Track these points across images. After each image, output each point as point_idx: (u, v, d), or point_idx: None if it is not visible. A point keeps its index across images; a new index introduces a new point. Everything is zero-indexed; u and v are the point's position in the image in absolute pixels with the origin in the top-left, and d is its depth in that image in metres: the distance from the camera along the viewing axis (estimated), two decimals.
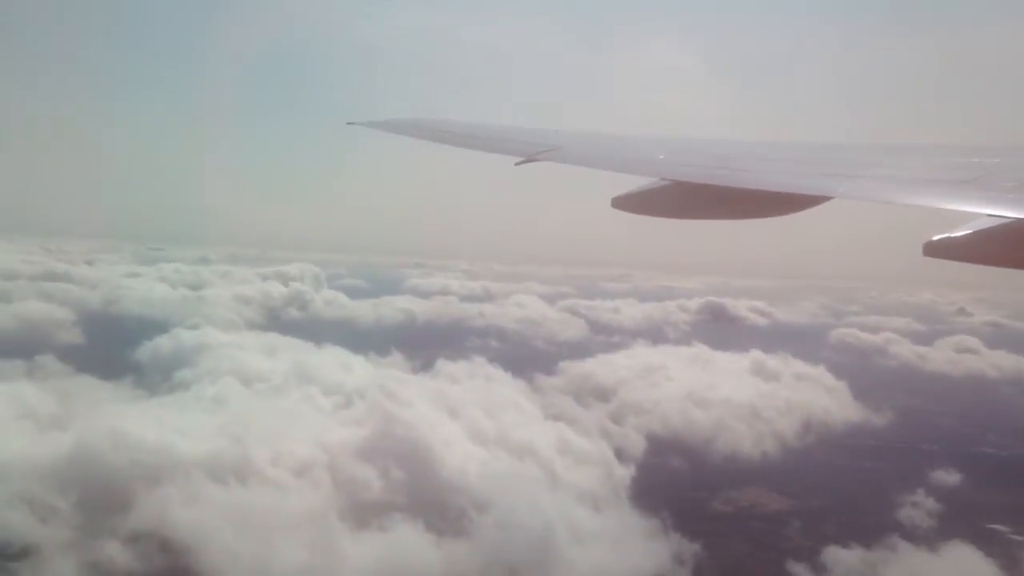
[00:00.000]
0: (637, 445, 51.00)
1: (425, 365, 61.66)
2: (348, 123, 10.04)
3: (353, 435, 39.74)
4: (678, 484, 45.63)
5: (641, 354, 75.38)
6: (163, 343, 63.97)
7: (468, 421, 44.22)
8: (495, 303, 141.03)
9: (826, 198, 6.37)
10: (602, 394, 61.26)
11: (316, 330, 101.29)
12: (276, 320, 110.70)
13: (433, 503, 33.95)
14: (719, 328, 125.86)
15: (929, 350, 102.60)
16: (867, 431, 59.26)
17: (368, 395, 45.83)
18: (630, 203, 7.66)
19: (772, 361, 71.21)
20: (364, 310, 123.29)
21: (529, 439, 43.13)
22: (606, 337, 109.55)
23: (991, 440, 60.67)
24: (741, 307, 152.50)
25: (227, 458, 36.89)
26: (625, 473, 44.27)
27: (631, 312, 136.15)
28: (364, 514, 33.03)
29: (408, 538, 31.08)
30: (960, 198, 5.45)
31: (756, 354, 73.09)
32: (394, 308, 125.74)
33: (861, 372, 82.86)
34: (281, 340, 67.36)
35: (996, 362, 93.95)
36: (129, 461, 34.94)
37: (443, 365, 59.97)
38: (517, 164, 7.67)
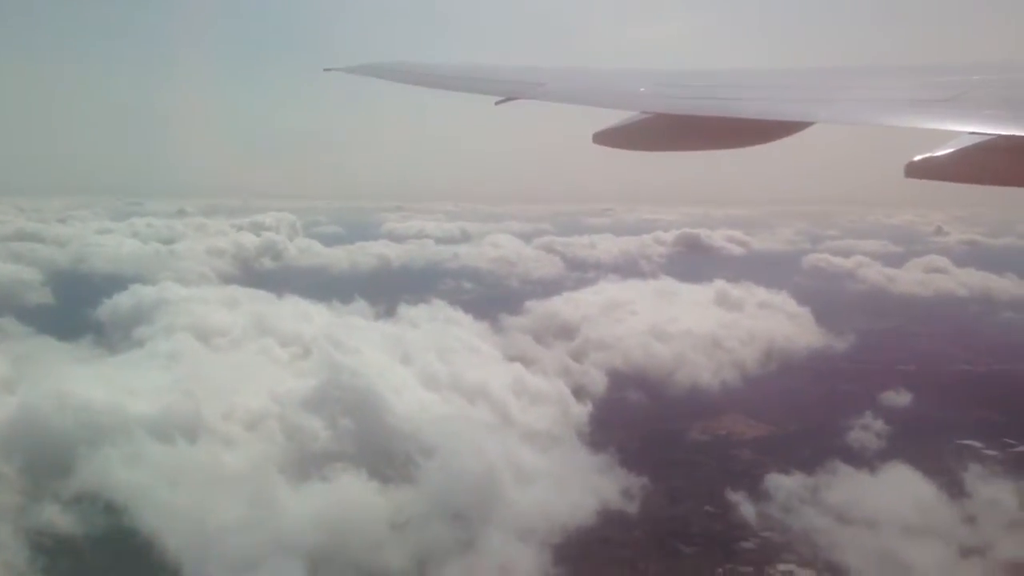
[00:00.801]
0: (598, 382, 51.11)
1: (388, 311, 61.63)
2: (325, 69, 9.93)
3: (304, 386, 39.65)
4: (634, 419, 45.78)
5: (607, 290, 75.27)
6: (122, 300, 63.48)
7: (422, 366, 44.24)
8: (471, 244, 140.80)
9: (807, 123, 6.45)
10: (566, 332, 61.28)
11: (288, 279, 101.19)
12: (249, 271, 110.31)
13: (379, 451, 34.05)
14: (694, 259, 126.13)
15: (899, 272, 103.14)
16: (828, 355, 59.62)
17: (321, 345, 45.73)
18: (612, 138, 7.70)
19: (736, 291, 71.25)
20: (338, 257, 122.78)
21: (483, 381, 43.23)
22: (581, 273, 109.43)
23: (960, 357, 61.20)
24: (717, 237, 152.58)
25: (177, 415, 36.74)
26: (582, 411, 44.55)
27: (607, 247, 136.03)
28: (308, 465, 33.11)
29: (351, 487, 31.17)
30: (940, 117, 5.45)
31: (720, 284, 73.09)
32: (368, 254, 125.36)
33: (828, 297, 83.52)
34: (242, 292, 66.87)
35: (965, 280, 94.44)
36: (75, 423, 34.85)
37: (405, 310, 60.05)
38: (497, 104, 7.63)
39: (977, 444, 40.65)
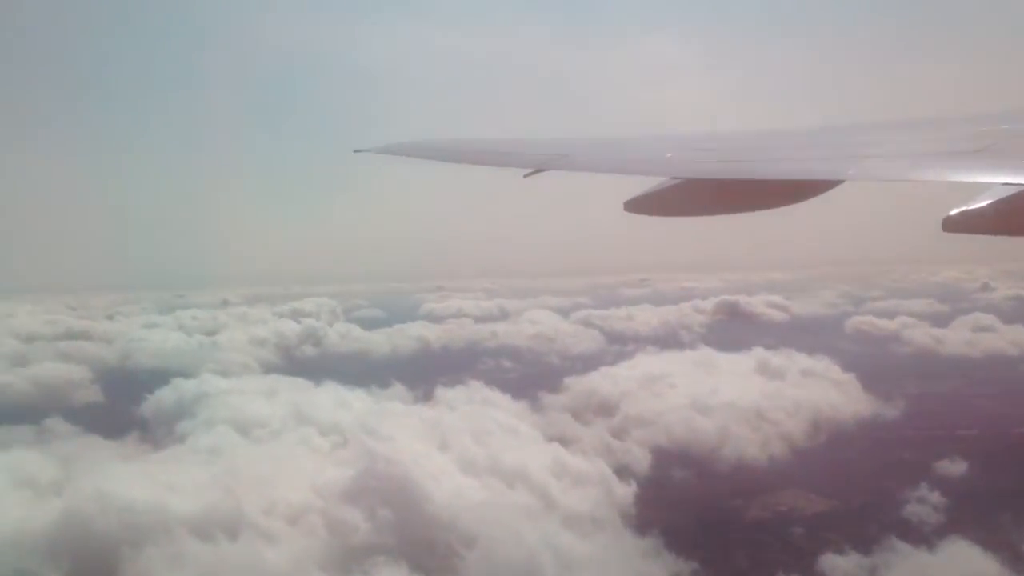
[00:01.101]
0: (641, 460, 50.39)
1: (426, 395, 61.65)
2: (355, 151, 10.07)
3: (343, 476, 39.52)
4: (680, 498, 44.99)
5: (644, 363, 74.70)
6: (165, 395, 64.34)
7: (459, 450, 43.91)
8: (509, 321, 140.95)
9: (837, 181, 6.53)
10: (606, 409, 60.62)
11: (330, 365, 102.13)
12: (291, 359, 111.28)
13: (419, 541, 33.71)
14: (735, 327, 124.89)
15: (945, 332, 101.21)
16: (879, 423, 58.20)
17: (359, 432, 45.74)
18: (643, 205, 7.78)
19: (777, 358, 70.27)
20: (378, 341, 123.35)
21: (522, 464, 42.69)
22: (620, 346, 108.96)
23: (1016, 419, 59.21)
24: (757, 303, 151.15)
25: (218, 512, 36.66)
26: (627, 491, 43.81)
27: (645, 318, 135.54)
28: (349, 560, 32.85)
29: None
30: (973, 169, 5.38)
31: (760, 352, 72.19)
32: (408, 336, 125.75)
33: (874, 362, 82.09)
34: (282, 381, 67.47)
35: (1014, 338, 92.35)
36: (118, 524, 34.95)
37: (442, 393, 59.99)
38: (525, 176, 7.65)
39: None
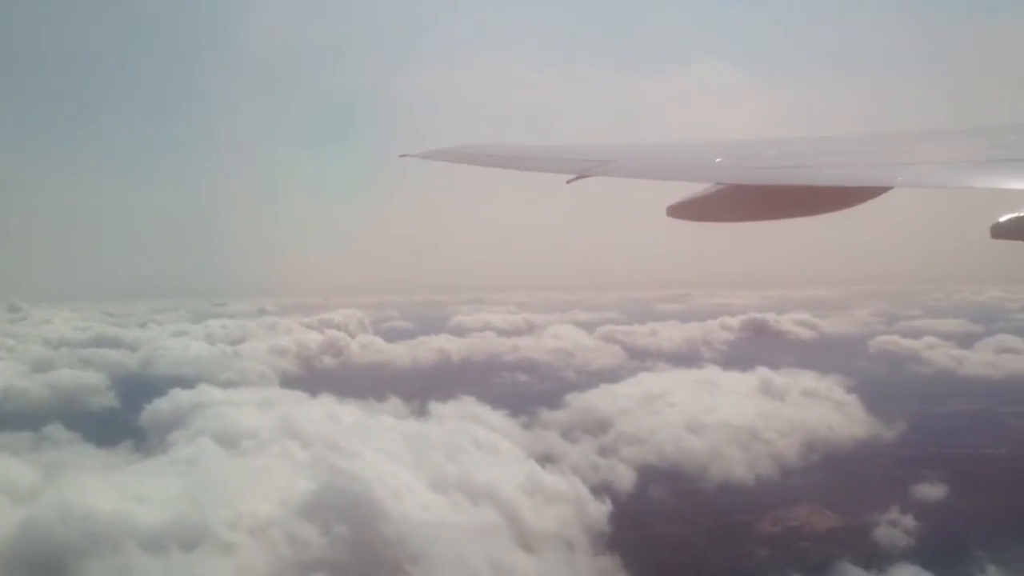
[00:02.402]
0: (624, 479, 50.10)
1: (421, 408, 61.58)
2: (401, 156, 10.13)
3: (308, 490, 39.45)
4: (653, 518, 44.42)
5: (648, 381, 73.89)
6: (162, 405, 65.02)
7: (433, 467, 43.72)
8: (534, 335, 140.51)
9: (885, 188, 6.37)
10: (602, 426, 60.15)
11: (347, 377, 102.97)
12: (310, 370, 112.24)
13: (367, 559, 33.55)
14: (758, 345, 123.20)
15: (967, 353, 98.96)
16: (872, 444, 57.04)
17: (333, 447, 45.76)
18: (686, 211, 7.64)
19: (780, 378, 69.15)
20: (399, 353, 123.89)
21: (495, 482, 42.43)
22: (639, 362, 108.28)
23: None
24: (786, 321, 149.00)
25: (181, 524, 36.93)
26: (600, 510, 43.38)
27: (669, 334, 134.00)
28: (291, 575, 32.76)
29: None
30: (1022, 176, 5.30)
31: (764, 372, 71.05)
32: (429, 349, 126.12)
33: (887, 382, 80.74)
34: (278, 393, 67.99)
35: None
36: (78, 533, 35.31)
37: (435, 408, 59.91)
38: (569, 182, 7.58)
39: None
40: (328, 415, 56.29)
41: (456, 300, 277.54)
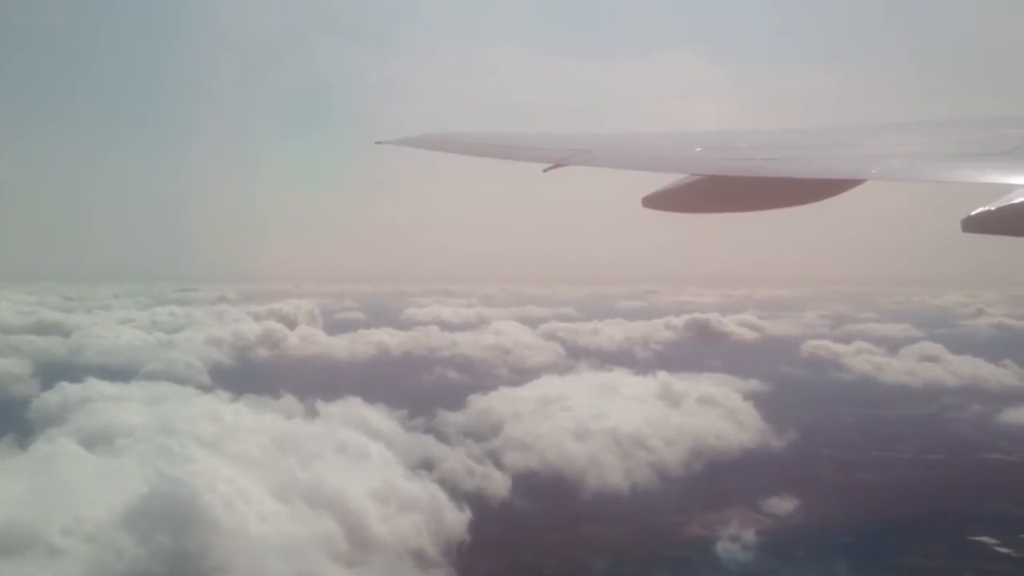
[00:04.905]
0: (497, 485, 49.77)
1: (313, 408, 60.93)
2: (376, 143, 10.02)
3: (141, 495, 38.71)
4: (512, 527, 44.10)
5: (549, 384, 73.51)
6: (49, 398, 64.16)
7: (287, 473, 43.08)
8: (477, 331, 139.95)
9: (860, 181, 6.50)
10: (492, 430, 59.77)
11: (275, 370, 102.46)
12: (244, 361, 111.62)
13: (178, 569, 33.01)
14: (696, 346, 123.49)
15: (891, 360, 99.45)
16: (759, 453, 57.11)
17: (202, 447, 45.18)
18: (662, 201, 7.66)
19: (680, 383, 68.96)
20: (337, 346, 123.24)
21: (348, 489, 41.93)
22: (574, 361, 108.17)
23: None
24: (730, 322, 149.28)
25: (14, 528, 36.35)
26: (459, 518, 43.07)
27: (611, 333, 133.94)
28: None
29: None
30: (1002, 170, 5.32)
31: (664, 377, 70.89)
32: (368, 342, 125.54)
33: (801, 388, 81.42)
34: (171, 389, 67.20)
35: (957, 369, 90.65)
36: None
37: (325, 408, 59.33)
38: (545, 171, 7.50)
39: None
40: (210, 414, 55.50)
41: (421, 291, 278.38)
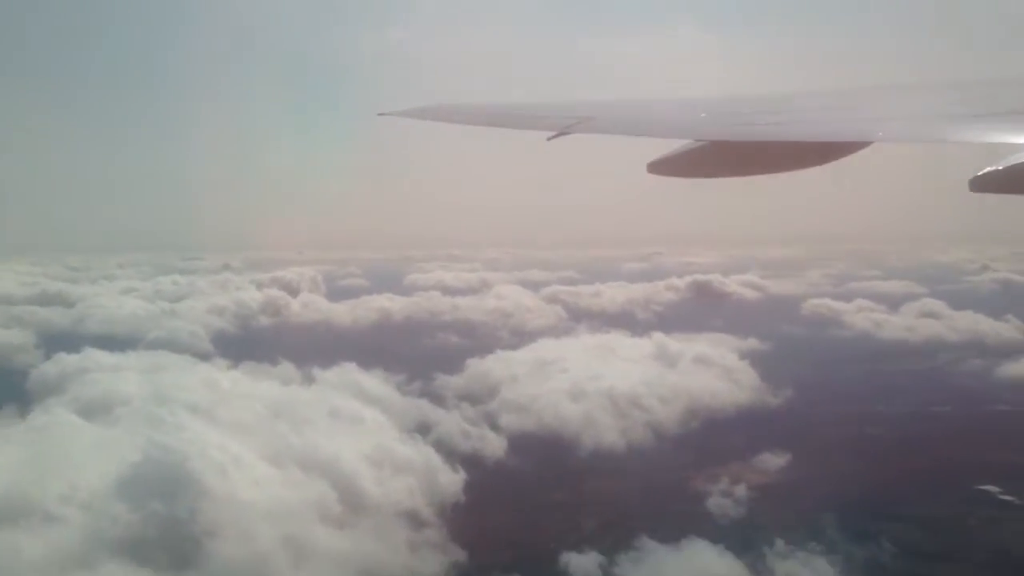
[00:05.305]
0: (492, 448, 50.09)
1: (310, 374, 61.16)
2: (379, 114, 10.05)
3: (134, 462, 38.95)
4: (505, 489, 44.38)
5: (547, 346, 73.67)
6: (48, 369, 64.54)
7: (282, 439, 43.38)
8: (479, 295, 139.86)
9: (866, 143, 6.42)
10: (489, 393, 60.01)
11: (277, 337, 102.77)
12: (247, 329, 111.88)
13: (169, 535, 33.28)
14: (697, 307, 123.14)
15: (890, 317, 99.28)
16: (755, 410, 57.24)
17: (196, 415, 45.47)
18: (667, 167, 7.66)
19: (676, 344, 69.00)
20: (339, 313, 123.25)
21: (342, 454, 42.20)
22: (574, 323, 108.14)
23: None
24: (732, 283, 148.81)
25: (12, 497, 36.70)
26: (453, 480, 43.44)
27: (613, 295, 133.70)
28: (96, 552, 32.52)
29: None
30: (1009, 130, 5.31)
31: (660, 338, 70.93)
32: (370, 308, 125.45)
33: (800, 346, 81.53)
34: (168, 358, 67.47)
35: (956, 325, 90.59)
36: None
37: (321, 374, 59.61)
38: (549, 139, 7.50)
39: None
40: (207, 382, 55.88)
41: (425, 257, 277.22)
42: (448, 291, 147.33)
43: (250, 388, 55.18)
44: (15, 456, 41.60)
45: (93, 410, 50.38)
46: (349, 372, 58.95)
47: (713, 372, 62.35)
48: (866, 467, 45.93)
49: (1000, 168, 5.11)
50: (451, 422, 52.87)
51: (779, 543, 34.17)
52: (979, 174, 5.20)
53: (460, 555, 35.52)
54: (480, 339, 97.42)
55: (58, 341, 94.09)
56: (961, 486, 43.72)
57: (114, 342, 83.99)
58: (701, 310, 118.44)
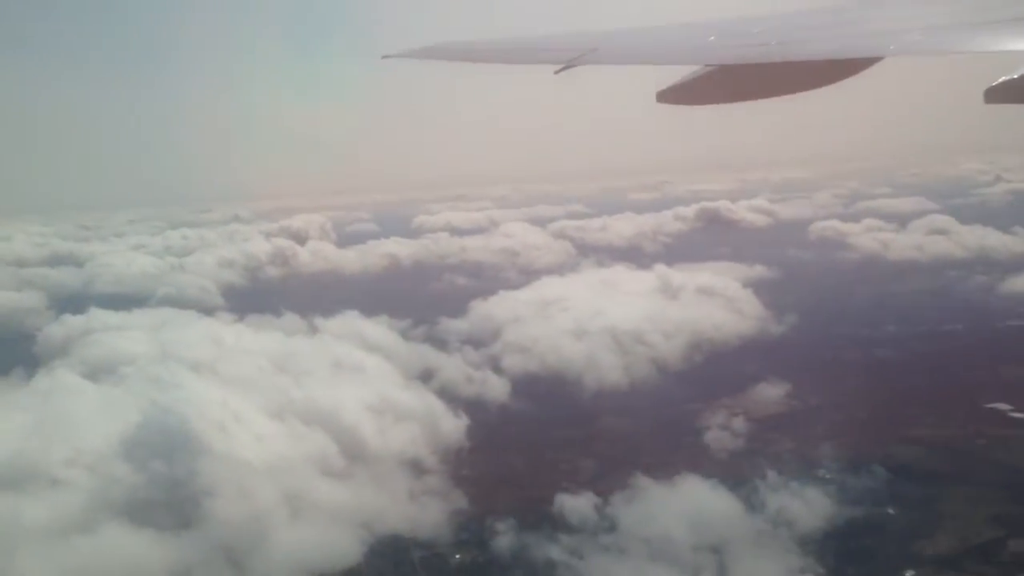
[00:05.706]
0: (496, 391, 50.16)
1: (313, 324, 61.28)
2: (384, 56, 9.92)
3: (137, 423, 39.21)
4: (507, 433, 44.49)
5: (549, 284, 73.36)
6: (53, 331, 64.93)
7: (282, 392, 43.64)
8: (487, 235, 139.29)
9: (877, 58, 6.31)
10: (492, 335, 59.93)
11: (287, 288, 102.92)
12: (255, 280, 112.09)
13: (171, 495, 33.65)
14: (708, 236, 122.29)
15: (897, 236, 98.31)
16: (760, 340, 57.04)
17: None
18: (676, 95, 7.59)
19: (679, 276, 68.54)
20: (348, 259, 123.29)
21: (344, 404, 42.34)
22: (582, 258, 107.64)
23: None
24: (741, 209, 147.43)
25: (18, 461, 37.12)
26: (456, 426, 43.58)
27: (620, 228, 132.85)
28: (100, 512, 32.92)
29: (123, 538, 30.94)
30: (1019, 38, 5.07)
31: (663, 270, 70.47)
32: (378, 254, 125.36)
33: (801, 271, 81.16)
34: (173, 314, 67.73)
35: (964, 241, 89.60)
36: None
37: (325, 323, 59.78)
38: (556, 72, 7.37)
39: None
40: (211, 337, 56.05)
41: (434, 198, 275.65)
42: (456, 232, 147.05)
43: (253, 341, 55.28)
44: (19, 421, 41.90)
45: (98, 371, 50.65)
46: (352, 321, 59.04)
47: (716, 303, 62.00)
48: (872, 391, 45.75)
49: (1015, 77, 5.03)
50: (454, 367, 52.90)
51: (772, 475, 34.18)
52: (994, 84, 5.12)
53: (461, 502, 35.69)
54: (486, 280, 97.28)
55: (69, 302, 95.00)
56: (972, 405, 43.39)
57: (124, 300, 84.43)
58: (709, 239, 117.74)
